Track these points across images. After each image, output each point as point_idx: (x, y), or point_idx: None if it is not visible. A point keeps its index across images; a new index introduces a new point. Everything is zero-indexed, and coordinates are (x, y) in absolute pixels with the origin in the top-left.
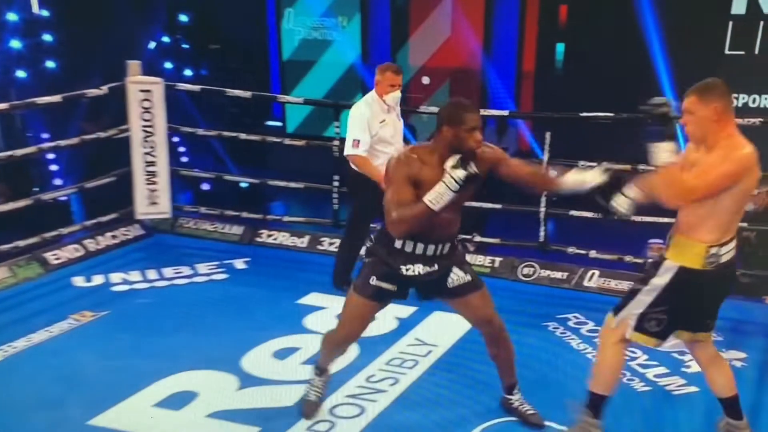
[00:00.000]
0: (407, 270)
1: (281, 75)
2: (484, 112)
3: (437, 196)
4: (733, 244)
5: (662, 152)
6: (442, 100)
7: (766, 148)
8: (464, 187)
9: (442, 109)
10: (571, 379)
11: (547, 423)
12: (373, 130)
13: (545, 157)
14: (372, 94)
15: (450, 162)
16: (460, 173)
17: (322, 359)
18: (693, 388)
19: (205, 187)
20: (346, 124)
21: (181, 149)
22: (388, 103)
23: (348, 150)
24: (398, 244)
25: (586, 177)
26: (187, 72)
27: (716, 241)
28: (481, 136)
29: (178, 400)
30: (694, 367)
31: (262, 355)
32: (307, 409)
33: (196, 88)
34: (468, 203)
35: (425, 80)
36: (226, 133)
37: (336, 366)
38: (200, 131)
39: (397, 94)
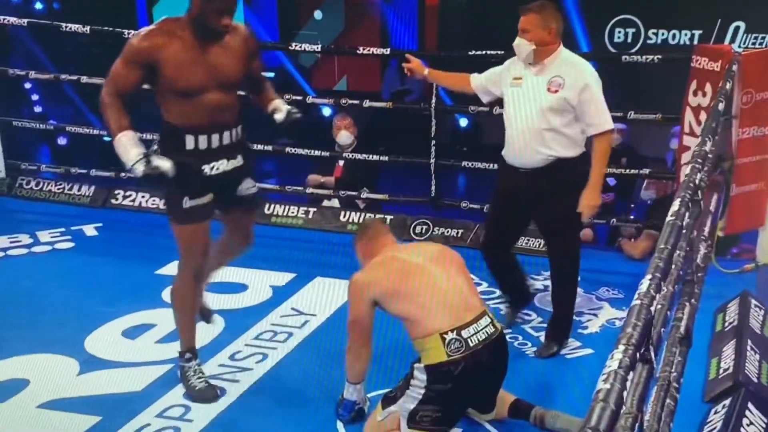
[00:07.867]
0: (212, 169)
1: (149, 8)
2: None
3: (123, 151)
4: (484, 322)
5: None
6: (335, 38)
7: (667, 88)
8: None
9: None
10: None
11: None
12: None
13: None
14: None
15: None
16: (139, 167)
17: (182, 332)
18: (588, 351)
19: (62, 141)
20: None
21: (35, 97)
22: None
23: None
24: (190, 142)
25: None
26: (38, 5)
27: (450, 326)
28: (230, 21)
29: (4, 391)
30: (591, 328)
31: (109, 335)
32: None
33: (23, 21)
34: (356, 155)
35: (317, 15)
36: (82, 78)
37: (198, 343)
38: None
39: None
